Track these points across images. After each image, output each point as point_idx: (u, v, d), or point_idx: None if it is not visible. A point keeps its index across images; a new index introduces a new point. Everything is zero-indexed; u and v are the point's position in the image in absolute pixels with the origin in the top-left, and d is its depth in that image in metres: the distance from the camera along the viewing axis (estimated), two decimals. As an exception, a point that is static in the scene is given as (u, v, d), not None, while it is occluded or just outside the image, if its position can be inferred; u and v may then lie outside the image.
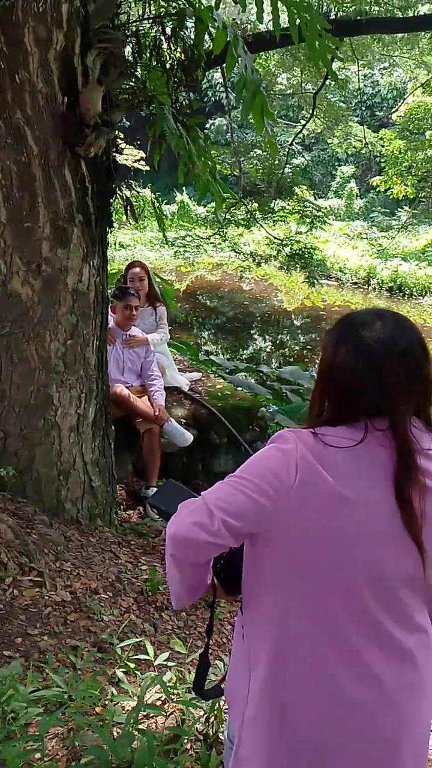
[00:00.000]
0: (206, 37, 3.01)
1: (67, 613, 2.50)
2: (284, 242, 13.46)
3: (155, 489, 3.90)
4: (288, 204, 14.44)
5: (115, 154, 2.96)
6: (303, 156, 24.84)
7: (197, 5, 2.72)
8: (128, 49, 2.91)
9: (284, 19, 2.96)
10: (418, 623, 1.13)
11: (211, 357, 7.87)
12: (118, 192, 3.02)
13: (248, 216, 11.53)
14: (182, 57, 2.97)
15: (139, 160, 16.23)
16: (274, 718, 1.13)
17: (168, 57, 2.91)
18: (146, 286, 4.33)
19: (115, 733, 1.82)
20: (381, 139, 17.65)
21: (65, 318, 2.79)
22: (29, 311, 2.73)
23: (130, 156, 16.84)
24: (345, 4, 6.44)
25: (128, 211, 3.07)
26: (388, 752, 1.10)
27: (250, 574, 1.20)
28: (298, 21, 2.94)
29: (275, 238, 13.29)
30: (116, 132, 2.81)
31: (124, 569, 2.93)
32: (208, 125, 24.07)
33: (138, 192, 3.10)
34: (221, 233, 13.60)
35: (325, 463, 1.06)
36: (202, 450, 4.49)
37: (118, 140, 2.95)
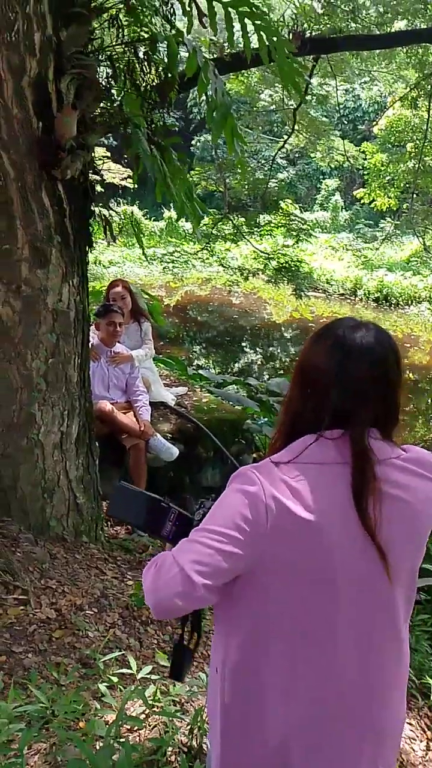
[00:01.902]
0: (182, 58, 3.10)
1: (52, 630, 2.51)
2: (271, 256, 13.59)
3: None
4: (274, 218, 14.59)
5: (93, 175, 3.01)
6: (288, 170, 25.13)
7: (168, 31, 2.79)
8: (103, 73, 2.97)
9: (256, 40, 3.05)
10: (402, 636, 1.17)
11: (200, 371, 7.91)
12: (97, 212, 3.07)
13: (235, 231, 11.66)
14: (155, 80, 3.04)
15: (126, 178, 16.38)
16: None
17: (141, 80, 2.98)
18: (129, 304, 4.38)
19: (97, 747, 1.84)
20: (363, 152, 17.90)
21: (46, 337, 2.83)
22: (10, 331, 2.77)
23: (117, 174, 17.02)
24: (320, 23, 6.59)
25: (106, 231, 3.11)
26: None
27: (225, 611, 1.18)
28: (267, 44, 3.03)
29: (262, 252, 13.42)
30: (92, 154, 2.86)
31: (110, 585, 2.95)
32: (194, 141, 24.31)
33: (116, 212, 3.15)
34: (209, 248, 13.70)
35: (292, 494, 1.07)
36: (188, 464, 4.52)
37: (96, 161, 3.00)
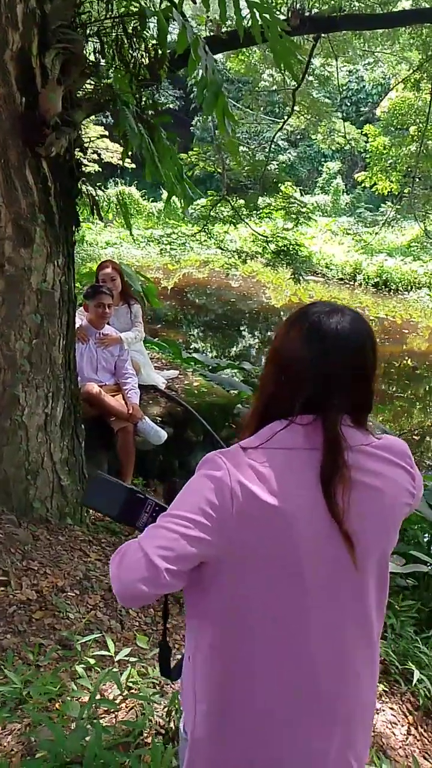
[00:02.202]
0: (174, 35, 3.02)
1: (32, 611, 2.51)
2: (270, 239, 13.48)
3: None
4: (273, 200, 14.46)
5: (80, 153, 2.96)
6: (289, 153, 24.87)
7: (158, 5, 2.73)
8: (91, 49, 2.91)
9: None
10: (371, 622, 1.15)
11: (194, 355, 7.88)
12: (84, 191, 3.02)
13: (233, 213, 11.55)
14: (146, 56, 2.97)
15: (125, 158, 16.23)
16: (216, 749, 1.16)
17: (130, 56, 2.91)
18: (119, 286, 4.33)
19: (72, 728, 1.84)
20: (365, 135, 17.70)
21: (30, 318, 2.80)
22: (-7, 311, 2.74)
23: (116, 153, 16.83)
24: (321, 1, 6.46)
25: (94, 210, 3.07)
26: None
27: (196, 603, 1.16)
28: (260, 21, 2.96)
29: (261, 235, 13.32)
30: (79, 131, 2.81)
31: (93, 567, 2.95)
32: (194, 122, 24.03)
33: (103, 191, 3.10)
34: (206, 230, 13.59)
35: (258, 479, 1.05)
36: (178, 447, 4.51)
37: (85, 139, 2.95)
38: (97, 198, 3.07)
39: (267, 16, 2.93)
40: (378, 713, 2.75)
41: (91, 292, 4.07)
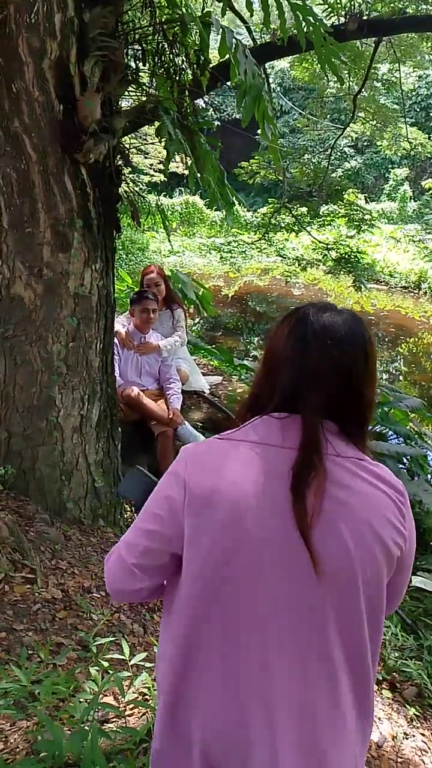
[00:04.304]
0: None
1: (56, 610, 2.54)
2: (330, 246, 13.30)
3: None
4: (337, 208, 14.25)
5: (120, 160, 3.00)
6: (355, 159, 24.50)
7: (196, 12, 2.73)
8: (132, 56, 2.95)
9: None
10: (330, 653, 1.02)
11: (244, 361, 7.84)
12: (124, 197, 3.06)
13: (294, 221, 11.47)
14: (186, 62, 2.99)
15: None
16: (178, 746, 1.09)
17: (171, 63, 2.93)
18: (163, 291, 4.37)
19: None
20: (434, 140, 17.23)
21: (66, 321, 2.85)
22: (31, 314, 2.80)
23: (181, 163, 17.09)
24: (383, 4, 6.34)
25: (133, 216, 3.10)
26: None
27: (167, 595, 1.15)
28: (304, 25, 2.93)
29: (321, 242, 13.16)
30: (119, 138, 2.84)
31: (122, 570, 2.96)
32: (259, 130, 24.10)
33: (143, 197, 3.13)
34: (267, 238, 13.56)
35: (217, 471, 1.02)
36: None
37: (125, 146, 2.98)
38: (137, 204, 3.09)
39: (310, 18, 2.90)
40: (407, 738, 2.63)
41: (136, 298, 4.12)
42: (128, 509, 3.74)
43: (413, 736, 2.64)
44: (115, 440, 3.30)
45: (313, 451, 1.00)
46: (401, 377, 10.79)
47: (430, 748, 2.64)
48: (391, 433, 5.73)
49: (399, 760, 2.56)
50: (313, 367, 1.04)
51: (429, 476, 5.45)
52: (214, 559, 1.00)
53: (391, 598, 1.09)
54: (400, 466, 5.35)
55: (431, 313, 15.65)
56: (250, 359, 9.89)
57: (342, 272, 14.66)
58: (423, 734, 2.69)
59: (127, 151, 3.03)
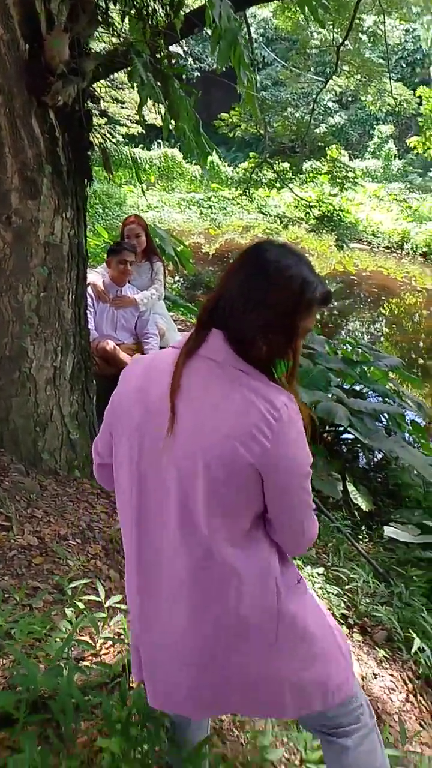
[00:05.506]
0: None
1: (32, 556, 2.58)
2: (312, 204, 13.15)
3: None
4: (320, 164, 14.04)
5: (91, 104, 2.92)
6: (339, 115, 24.06)
7: None
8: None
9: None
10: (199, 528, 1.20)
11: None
12: (96, 143, 2.99)
13: (276, 177, 11.29)
14: (159, 3, 2.89)
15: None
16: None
17: (142, 2, 2.83)
18: (143, 242, 4.30)
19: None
20: (419, 96, 16.95)
21: (37, 270, 2.82)
22: (1, 263, 2.76)
23: (159, 117, 16.62)
24: None
25: (105, 165, 3.03)
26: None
27: None
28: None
29: (303, 199, 12.99)
30: (88, 81, 2.76)
31: (97, 518, 3.00)
32: (244, 83, 23.47)
33: (114, 143, 3.05)
34: (248, 194, 13.38)
35: (140, 369, 1.26)
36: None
37: (95, 90, 2.90)
38: (111, 155, 3.02)
39: None
40: (376, 678, 2.74)
41: (114, 248, 4.06)
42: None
43: (382, 676, 2.76)
44: (90, 393, 3.30)
45: (193, 346, 1.18)
46: (382, 338, 10.83)
47: (397, 687, 2.77)
48: (371, 392, 5.80)
49: (368, 697, 2.68)
50: (226, 282, 1.19)
51: (406, 434, 5.54)
52: (121, 442, 1.26)
53: (275, 500, 1.19)
54: (378, 423, 5.44)
55: (413, 274, 15.64)
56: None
57: (324, 231, 14.55)
58: (391, 675, 2.81)
59: (98, 96, 2.95)
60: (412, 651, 2.86)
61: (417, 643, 2.83)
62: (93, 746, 1.68)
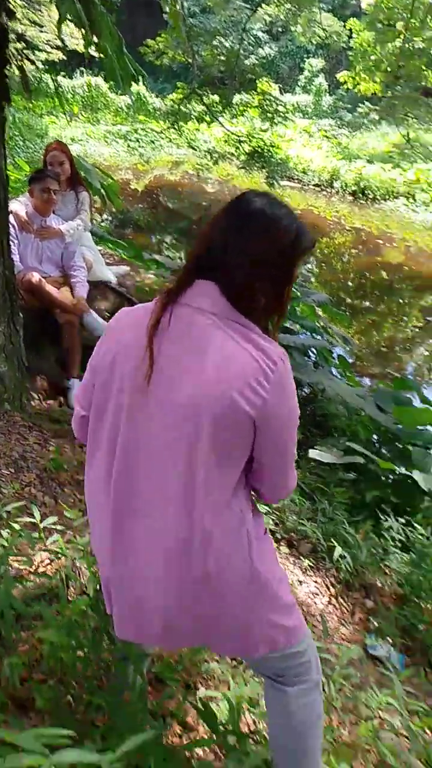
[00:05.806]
0: None
1: (-36, 485, 2.60)
2: (243, 139, 12.92)
3: (76, 380, 3.96)
4: (250, 98, 13.74)
5: (6, 19, 2.76)
6: (269, 46, 23.41)
7: None
8: None
9: None
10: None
11: (155, 256, 7.74)
12: (13, 61, 2.84)
13: (205, 109, 11.00)
14: None
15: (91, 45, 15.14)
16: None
17: None
18: (67, 170, 4.16)
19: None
20: (349, 29, 16.68)
21: None
22: None
23: (82, 42, 15.65)
24: None
25: (24, 87, 2.90)
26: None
27: None
28: None
29: (234, 134, 12.75)
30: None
31: (30, 449, 3.03)
32: (167, 8, 22.35)
33: (32, 61, 2.92)
34: (177, 127, 12.98)
35: (124, 318, 1.30)
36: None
37: (9, 2, 2.74)
38: (31, 83, 2.89)
39: None
40: (302, 585, 2.97)
41: (36, 176, 3.91)
42: (35, 396, 3.77)
43: (307, 583, 2.99)
44: (17, 325, 3.25)
45: (166, 298, 1.20)
46: (312, 278, 10.99)
47: (320, 591, 3.01)
48: (300, 329, 5.97)
49: (296, 601, 2.91)
50: (210, 230, 1.22)
51: (332, 367, 5.77)
52: (101, 389, 1.27)
53: (266, 450, 1.22)
54: (306, 358, 5.64)
55: (343, 213, 15.79)
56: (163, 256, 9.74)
57: (255, 167, 14.37)
58: (315, 581, 3.04)
59: (13, 11, 2.79)
60: (334, 559, 3.09)
61: (338, 551, 3.07)
62: (36, 650, 1.78)
